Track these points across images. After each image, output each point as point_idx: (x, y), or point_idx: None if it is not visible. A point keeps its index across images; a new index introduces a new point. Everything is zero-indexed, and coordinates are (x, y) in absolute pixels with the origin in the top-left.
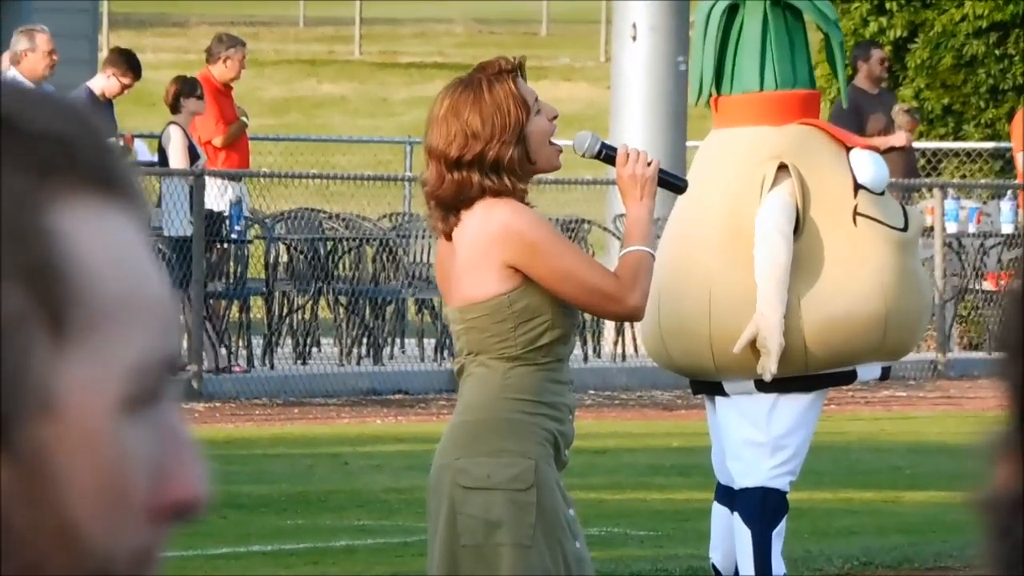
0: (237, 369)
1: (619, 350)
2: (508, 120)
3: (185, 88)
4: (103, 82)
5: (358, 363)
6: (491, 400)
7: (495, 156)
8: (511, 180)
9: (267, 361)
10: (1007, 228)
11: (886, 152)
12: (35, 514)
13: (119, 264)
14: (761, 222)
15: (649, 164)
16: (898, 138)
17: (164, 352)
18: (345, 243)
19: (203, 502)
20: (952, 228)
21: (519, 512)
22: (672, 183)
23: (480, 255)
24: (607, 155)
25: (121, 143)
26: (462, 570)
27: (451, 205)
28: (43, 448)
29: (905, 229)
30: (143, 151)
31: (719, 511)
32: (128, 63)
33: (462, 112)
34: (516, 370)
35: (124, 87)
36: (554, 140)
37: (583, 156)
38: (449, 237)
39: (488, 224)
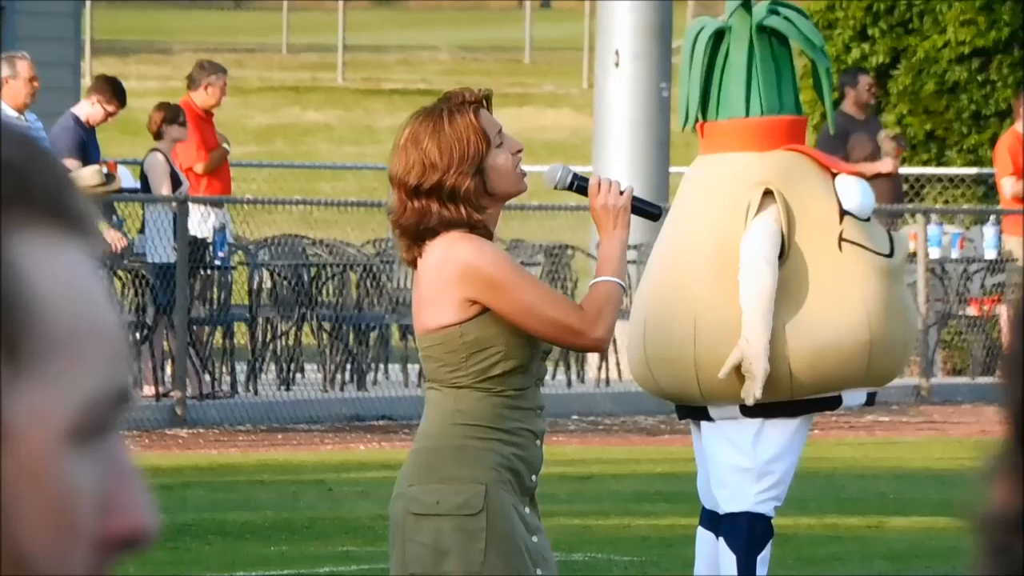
0: (221, 395)
1: (603, 375)
2: (467, 151)
3: (169, 115)
4: (88, 109)
5: (342, 389)
6: (442, 427)
7: (452, 185)
8: (467, 210)
9: (251, 387)
10: (990, 254)
11: (873, 178)
12: None
13: (73, 296)
14: (746, 248)
15: (622, 193)
16: (885, 164)
17: (114, 385)
18: (329, 269)
19: (150, 533)
20: (935, 254)
21: (468, 539)
22: (646, 211)
23: (440, 288)
24: (579, 186)
25: (105, 169)
26: None
27: (413, 234)
28: None
29: (891, 255)
30: (127, 177)
31: (704, 536)
32: (113, 90)
33: (421, 141)
34: (466, 397)
35: (108, 114)
36: (525, 168)
37: (555, 189)
38: (414, 266)
39: (449, 259)
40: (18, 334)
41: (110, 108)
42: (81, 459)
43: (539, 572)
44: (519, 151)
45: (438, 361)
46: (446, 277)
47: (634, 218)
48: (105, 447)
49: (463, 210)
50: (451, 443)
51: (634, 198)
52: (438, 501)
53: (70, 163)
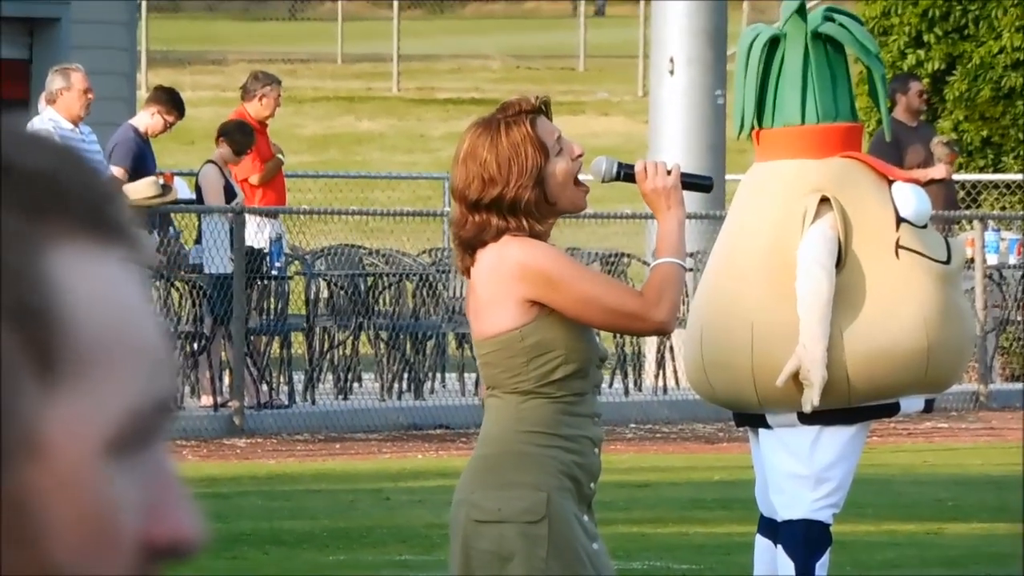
0: (278, 405)
1: (660, 383)
2: (525, 164)
3: (236, 146)
4: (147, 120)
5: (399, 398)
6: (504, 433)
7: (513, 199)
8: (528, 221)
9: (308, 396)
10: None
11: (926, 185)
12: (18, 555)
13: (109, 307)
14: (803, 255)
15: (669, 172)
16: (938, 171)
17: (155, 396)
18: (385, 278)
19: (195, 542)
20: (992, 260)
21: (530, 545)
22: (697, 184)
23: (497, 292)
24: (626, 175)
25: (161, 180)
26: None
27: (470, 245)
28: (28, 490)
29: (948, 262)
30: (183, 188)
31: (762, 544)
32: (173, 101)
33: (479, 155)
34: (529, 403)
35: (168, 124)
36: (580, 177)
37: (603, 182)
38: (468, 274)
39: (503, 262)
40: (51, 347)
41: (170, 119)
42: (119, 471)
43: None
44: (580, 156)
45: (498, 367)
46: (502, 280)
47: (688, 227)
48: (147, 457)
49: (524, 222)
50: (513, 449)
51: (683, 174)
52: (500, 508)
53: (120, 174)
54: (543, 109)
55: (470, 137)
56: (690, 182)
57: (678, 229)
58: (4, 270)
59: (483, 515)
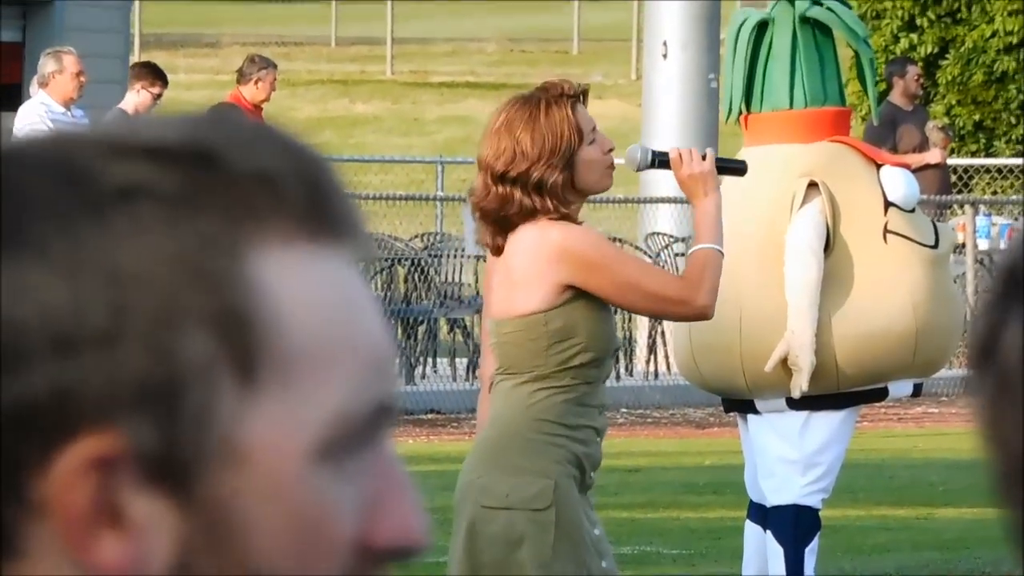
0: None
1: (652, 368)
2: (559, 144)
3: None
4: (134, 99)
5: None
6: (514, 418)
7: (539, 177)
8: (553, 202)
9: None
10: None
11: (921, 169)
12: (219, 563)
13: (322, 310)
14: (791, 240)
15: (704, 158)
16: (933, 155)
17: (375, 396)
18: (377, 263)
19: (418, 544)
20: (984, 245)
21: (538, 531)
22: (732, 168)
23: (534, 273)
24: (660, 162)
25: None
26: None
27: (494, 219)
28: (228, 497)
29: (936, 246)
30: None
31: (752, 529)
32: (153, 72)
33: (515, 129)
34: (542, 391)
35: (155, 97)
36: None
37: (638, 171)
38: (498, 253)
39: (543, 244)
40: (253, 353)
41: (155, 90)
42: (332, 474)
43: (604, 565)
44: (610, 150)
45: (519, 347)
46: (540, 261)
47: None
48: (367, 458)
49: (549, 202)
50: (521, 435)
51: (717, 159)
52: (508, 494)
53: None
54: (581, 97)
55: (507, 110)
56: (725, 167)
57: (716, 214)
58: (205, 273)
59: (491, 500)
